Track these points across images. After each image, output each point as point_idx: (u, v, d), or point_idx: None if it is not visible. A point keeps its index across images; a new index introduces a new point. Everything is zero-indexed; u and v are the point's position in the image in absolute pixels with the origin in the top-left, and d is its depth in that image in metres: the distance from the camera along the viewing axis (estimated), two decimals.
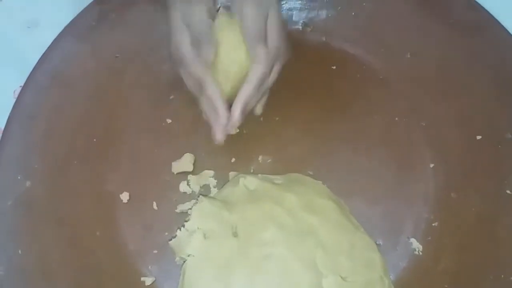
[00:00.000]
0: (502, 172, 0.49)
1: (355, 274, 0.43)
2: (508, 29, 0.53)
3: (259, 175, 0.50)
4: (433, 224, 0.49)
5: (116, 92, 0.55)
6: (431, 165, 0.51)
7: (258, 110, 0.51)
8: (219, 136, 0.47)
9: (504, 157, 0.49)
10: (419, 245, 0.48)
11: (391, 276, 0.47)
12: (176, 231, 0.46)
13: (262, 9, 0.46)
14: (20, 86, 0.57)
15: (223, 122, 0.46)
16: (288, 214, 0.45)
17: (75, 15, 0.57)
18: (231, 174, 0.51)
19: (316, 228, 0.44)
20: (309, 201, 0.46)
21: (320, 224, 0.45)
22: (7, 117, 0.53)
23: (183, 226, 0.44)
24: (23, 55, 0.58)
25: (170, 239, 0.47)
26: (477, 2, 0.54)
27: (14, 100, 0.55)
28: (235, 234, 0.44)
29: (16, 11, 0.60)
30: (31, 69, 0.55)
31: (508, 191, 0.48)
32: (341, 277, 0.43)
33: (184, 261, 0.43)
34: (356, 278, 0.43)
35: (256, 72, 0.46)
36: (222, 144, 0.47)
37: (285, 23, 0.48)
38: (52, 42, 0.55)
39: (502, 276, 0.45)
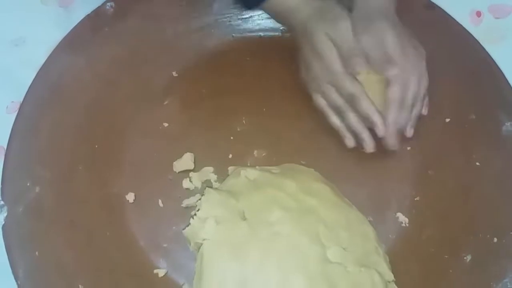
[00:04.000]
0: (470, 147, 0.54)
1: (354, 245, 0.48)
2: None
3: (257, 167, 0.53)
4: (416, 199, 0.53)
5: (113, 101, 0.57)
6: (408, 148, 0.55)
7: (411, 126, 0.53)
8: (372, 145, 0.51)
9: (471, 135, 0.55)
10: (405, 218, 0.53)
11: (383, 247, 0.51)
12: (182, 225, 0.50)
13: (374, 34, 0.49)
14: (12, 102, 0.58)
15: (382, 133, 0.50)
16: (290, 198, 0.49)
17: (61, 31, 0.59)
18: (230, 168, 0.54)
19: (316, 208, 0.48)
20: (306, 186, 0.51)
21: (319, 204, 0.49)
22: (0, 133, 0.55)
23: (195, 215, 0.47)
24: (12, 72, 0.60)
25: (180, 231, 0.49)
26: (433, 3, 0.60)
27: (7, 116, 0.57)
28: (244, 218, 0.47)
29: (2, 30, 0.62)
30: (23, 84, 0.56)
31: (477, 163, 0.53)
32: (343, 248, 0.47)
33: (199, 247, 0.46)
34: (355, 248, 0.48)
35: (393, 94, 0.49)
36: (373, 151, 0.51)
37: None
38: (48, 56, 0.57)
39: (480, 235, 0.50)
